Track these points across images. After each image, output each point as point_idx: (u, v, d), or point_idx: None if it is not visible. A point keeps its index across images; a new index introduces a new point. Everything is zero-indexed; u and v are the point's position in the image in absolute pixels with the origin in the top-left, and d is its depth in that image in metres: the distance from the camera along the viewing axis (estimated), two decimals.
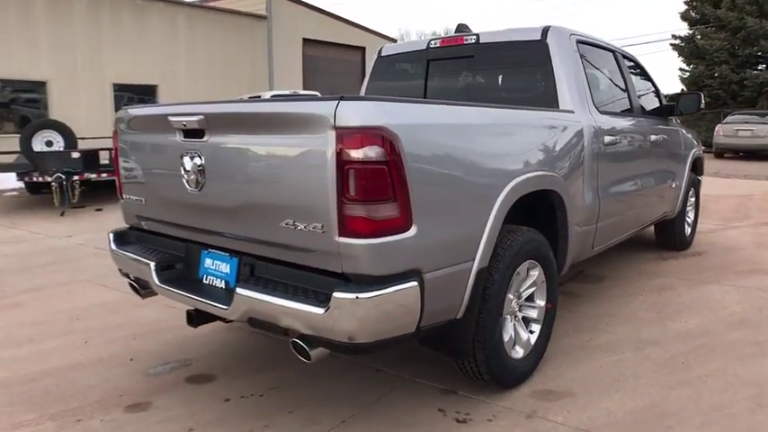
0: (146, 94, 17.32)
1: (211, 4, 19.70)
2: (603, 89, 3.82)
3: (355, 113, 1.90)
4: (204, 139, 2.32)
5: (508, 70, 3.61)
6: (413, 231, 2.01)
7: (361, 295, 1.92)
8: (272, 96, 13.29)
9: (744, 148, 16.06)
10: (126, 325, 3.77)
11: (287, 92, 14.44)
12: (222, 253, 2.49)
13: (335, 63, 25.97)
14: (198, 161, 2.35)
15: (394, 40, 32.03)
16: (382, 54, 4.23)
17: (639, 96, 4.37)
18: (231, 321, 2.55)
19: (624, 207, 3.88)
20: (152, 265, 2.60)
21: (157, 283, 2.57)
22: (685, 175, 5.13)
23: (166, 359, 3.21)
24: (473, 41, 3.68)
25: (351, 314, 1.93)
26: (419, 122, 2.09)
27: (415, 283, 2.04)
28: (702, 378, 2.88)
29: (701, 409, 2.57)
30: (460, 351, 2.46)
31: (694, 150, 5.42)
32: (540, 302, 2.91)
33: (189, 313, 2.55)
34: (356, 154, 1.88)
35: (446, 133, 2.22)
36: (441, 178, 2.16)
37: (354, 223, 1.92)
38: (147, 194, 2.75)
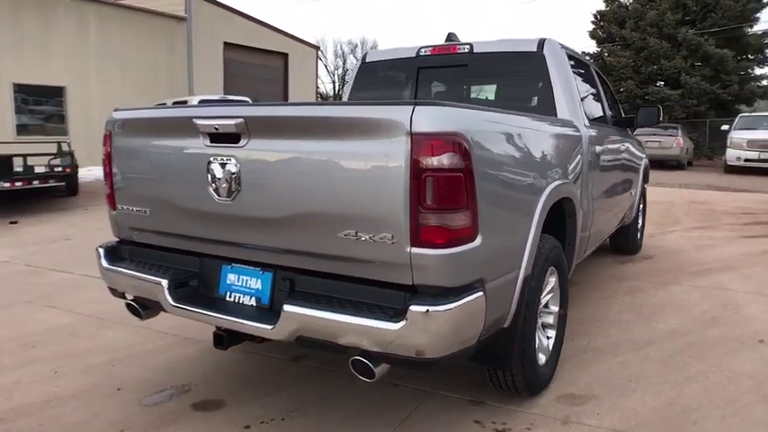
0: (52, 96, 15.99)
1: (125, 2, 18.59)
2: (587, 101, 3.97)
3: (431, 119, 1.82)
4: (241, 144, 2.13)
5: (504, 80, 3.66)
6: (478, 240, 1.96)
7: (436, 308, 1.84)
8: (200, 102, 12.75)
9: (652, 158, 17.38)
10: (96, 350, 3.40)
11: (215, 97, 13.88)
12: (250, 267, 2.30)
13: (258, 69, 25.43)
14: (232, 168, 2.15)
15: (317, 48, 31.83)
16: (367, 60, 4.15)
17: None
18: (262, 341, 2.35)
19: (606, 214, 4.05)
20: (164, 283, 2.35)
21: (172, 303, 2.33)
22: (640, 182, 5.46)
23: (160, 386, 2.92)
24: (466, 51, 3.70)
25: (425, 328, 1.84)
26: (484, 129, 2.05)
27: (482, 294, 1.99)
28: (704, 374, 3.04)
29: (715, 404, 2.71)
30: (504, 361, 2.43)
31: (645, 160, 5.79)
32: (555, 308, 2.95)
33: (217, 335, 2.31)
34: (434, 161, 1.80)
35: (504, 140, 2.20)
36: (499, 185, 2.13)
37: (429, 233, 1.84)
38: (155, 205, 2.49)
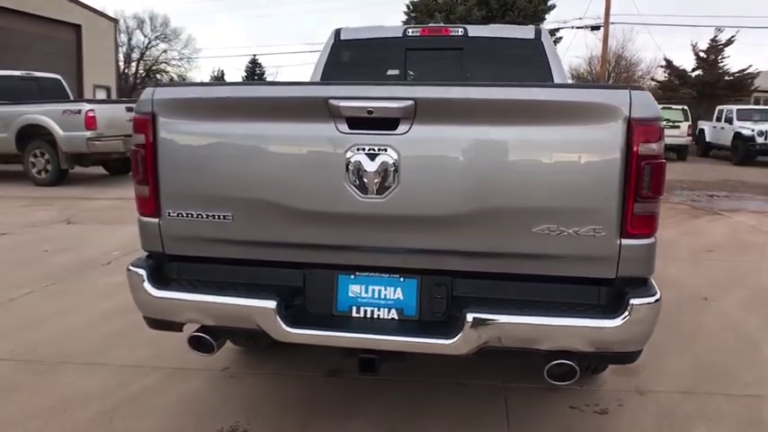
0: None
1: None
2: None
3: (645, 105, 1.74)
4: (400, 131, 1.79)
5: (502, 64, 3.66)
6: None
7: (649, 300, 1.81)
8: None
9: None
10: (64, 403, 2.58)
11: (18, 73, 11.42)
12: (384, 275, 1.97)
13: (42, 41, 21.63)
14: (388, 159, 1.79)
15: (115, 20, 28.27)
16: (342, 38, 3.80)
17: None
18: (399, 360, 2.01)
19: None
20: (272, 305, 1.88)
21: (287, 329, 1.88)
22: None
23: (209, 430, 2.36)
24: (460, 34, 3.62)
25: (642, 321, 1.79)
26: None
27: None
28: (696, 333, 3.47)
29: (726, 355, 3.13)
30: None
31: None
32: None
33: (367, 359, 1.90)
34: (651, 149, 1.73)
35: None
36: None
37: (641, 223, 1.78)
38: (243, 208, 1.95)
